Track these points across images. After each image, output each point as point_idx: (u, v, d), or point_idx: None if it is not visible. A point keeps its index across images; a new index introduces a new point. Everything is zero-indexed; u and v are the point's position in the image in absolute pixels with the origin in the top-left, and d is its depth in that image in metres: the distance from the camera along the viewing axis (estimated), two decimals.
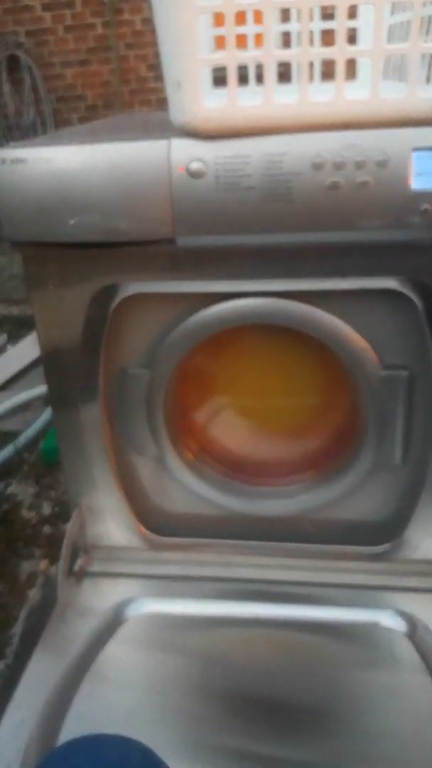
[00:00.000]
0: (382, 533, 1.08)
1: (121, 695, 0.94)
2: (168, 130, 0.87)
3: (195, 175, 0.82)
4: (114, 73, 3.80)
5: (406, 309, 0.90)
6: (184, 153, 0.82)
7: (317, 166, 0.80)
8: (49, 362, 1.01)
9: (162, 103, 3.80)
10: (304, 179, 0.81)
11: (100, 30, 3.75)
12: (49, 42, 3.80)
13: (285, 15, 1.18)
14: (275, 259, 0.89)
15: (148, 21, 3.67)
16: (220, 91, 0.82)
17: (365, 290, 0.90)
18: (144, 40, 3.73)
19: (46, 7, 3.73)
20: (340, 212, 0.81)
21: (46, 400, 2.01)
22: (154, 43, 3.70)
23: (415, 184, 0.79)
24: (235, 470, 1.12)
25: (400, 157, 0.79)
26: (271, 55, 0.75)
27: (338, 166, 0.80)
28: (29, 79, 3.81)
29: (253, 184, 0.81)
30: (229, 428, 1.13)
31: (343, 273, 0.89)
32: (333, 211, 0.81)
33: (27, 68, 3.79)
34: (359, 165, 0.80)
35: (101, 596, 1.10)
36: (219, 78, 0.85)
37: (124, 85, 3.85)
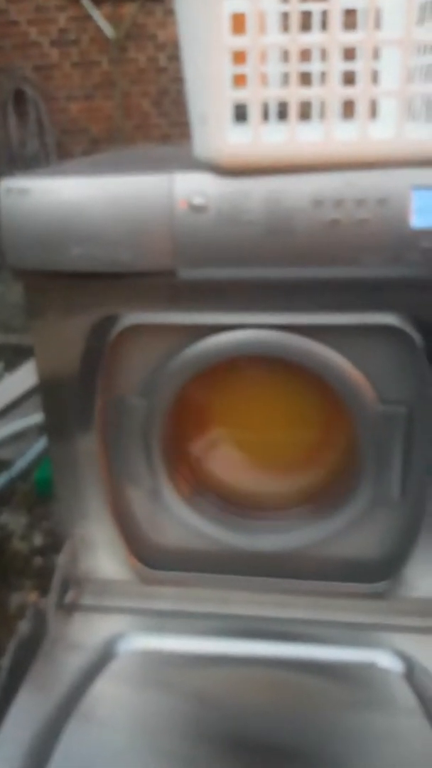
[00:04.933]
0: (380, 571, 1.06)
1: (109, 734, 0.92)
2: (171, 164, 0.88)
3: (197, 209, 0.83)
4: (118, 109, 3.88)
5: (405, 345, 0.91)
6: (186, 187, 0.83)
7: (318, 203, 0.81)
8: (47, 391, 1.01)
9: (164, 139, 3.87)
10: (304, 215, 0.82)
11: (105, 67, 3.84)
12: (55, 77, 3.89)
13: (304, 54, 1.20)
14: (275, 293, 0.89)
15: (153, 59, 3.76)
16: (243, 127, 0.83)
17: (364, 325, 0.90)
18: (148, 77, 3.81)
19: (53, 44, 3.83)
20: (341, 248, 0.82)
21: (40, 429, 2.00)
22: (157, 81, 3.79)
23: (415, 221, 0.80)
24: (232, 504, 1.11)
25: (400, 195, 0.80)
26: (296, 93, 0.77)
27: (338, 203, 0.81)
28: (35, 112, 3.88)
29: (254, 219, 0.82)
30: (226, 461, 1.12)
31: (342, 308, 0.89)
32: (333, 247, 0.82)
33: (33, 102, 3.87)
34: (359, 202, 0.81)
35: (92, 631, 1.08)
36: (239, 114, 0.87)
37: (128, 120, 3.93)
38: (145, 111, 3.90)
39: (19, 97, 3.88)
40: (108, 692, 0.98)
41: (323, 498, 1.08)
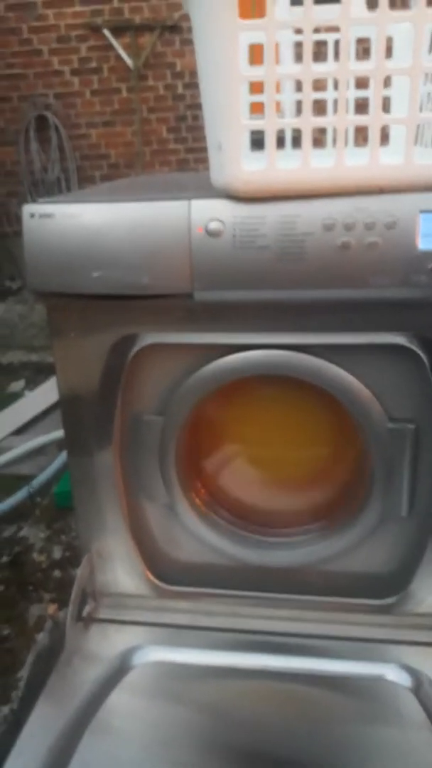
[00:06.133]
0: (389, 586, 1.07)
1: (124, 745, 0.93)
2: (188, 190, 0.90)
3: (213, 234, 0.85)
4: (136, 135, 3.96)
5: (413, 364, 0.92)
6: (203, 213, 0.85)
7: (328, 227, 0.83)
8: (67, 408, 1.03)
9: (181, 163, 3.94)
10: (316, 239, 0.84)
11: (124, 94, 3.93)
12: (77, 104, 3.98)
13: (319, 83, 1.22)
14: (287, 314, 0.91)
15: (170, 87, 3.85)
16: (258, 154, 0.85)
17: (374, 345, 0.92)
18: (166, 105, 3.89)
19: (74, 72, 3.93)
20: (351, 271, 0.84)
21: (60, 444, 2.04)
22: (175, 108, 3.87)
23: (422, 244, 0.82)
24: (244, 519, 1.13)
25: (407, 219, 0.82)
26: (309, 121, 0.79)
27: (348, 227, 0.83)
28: (56, 138, 3.98)
29: (267, 243, 0.85)
30: (239, 477, 1.13)
31: (352, 328, 0.91)
32: (343, 269, 0.84)
33: (54, 128, 3.96)
34: (369, 226, 0.83)
35: (108, 643, 1.09)
36: (256, 141, 0.89)
37: (146, 146, 4.00)
38: (163, 137, 3.97)
39: (41, 124, 3.98)
40: (123, 704, 0.99)
41: (333, 514, 1.09)
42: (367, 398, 0.95)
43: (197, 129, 3.79)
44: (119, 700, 1.00)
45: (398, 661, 1.02)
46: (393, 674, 1.01)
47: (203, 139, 0.86)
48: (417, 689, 0.99)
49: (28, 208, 0.89)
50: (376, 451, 0.98)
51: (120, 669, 1.05)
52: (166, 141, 3.98)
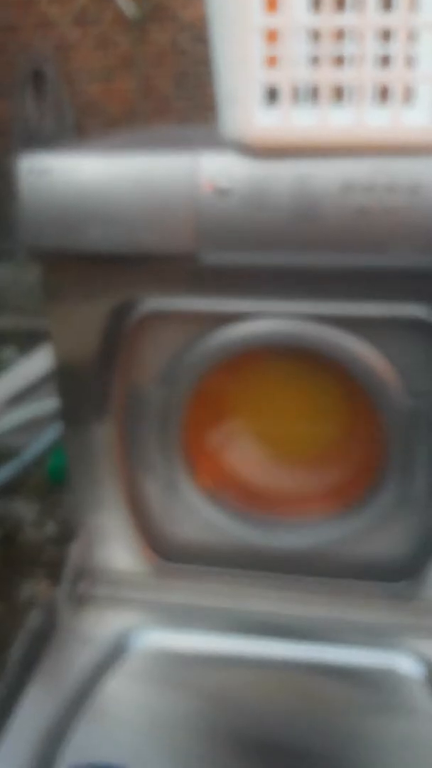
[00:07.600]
0: (402, 570, 1.04)
1: (120, 731, 0.90)
2: (195, 144, 0.86)
3: (222, 191, 0.81)
4: (137, 91, 3.84)
5: None
6: (212, 169, 0.81)
7: (347, 189, 0.79)
8: (63, 377, 0.99)
9: (184, 121, 3.83)
10: (332, 201, 0.80)
11: (125, 48, 3.80)
12: (75, 58, 3.86)
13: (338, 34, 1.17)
14: (300, 280, 0.87)
15: (174, 41, 3.72)
16: (272, 109, 0.81)
17: (392, 316, 0.88)
18: (168, 59, 3.77)
19: (73, 24, 3.79)
20: (369, 235, 0.81)
21: (54, 416, 1.99)
22: (178, 63, 3.74)
23: None
24: (251, 498, 1.09)
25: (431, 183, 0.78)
26: (327, 76, 0.75)
27: (368, 189, 0.79)
28: (53, 93, 3.87)
29: (280, 204, 0.81)
30: (246, 454, 1.11)
31: (370, 297, 0.87)
32: (361, 234, 0.81)
33: (52, 82, 3.85)
34: (390, 189, 0.79)
35: (104, 623, 1.06)
36: (270, 92, 0.85)
37: (147, 102, 3.89)
38: (165, 94, 3.86)
39: (38, 78, 3.86)
40: (119, 687, 0.97)
41: (346, 495, 1.06)
42: (384, 372, 0.91)
43: (201, 86, 3.68)
44: (115, 684, 0.98)
45: (411, 649, 1.00)
46: (405, 664, 0.98)
47: (207, 95, 0.81)
48: (430, 680, 0.96)
49: (23, 160, 0.85)
50: (393, 429, 0.94)
51: (116, 651, 1.02)
52: (168, 97, 3.87)
